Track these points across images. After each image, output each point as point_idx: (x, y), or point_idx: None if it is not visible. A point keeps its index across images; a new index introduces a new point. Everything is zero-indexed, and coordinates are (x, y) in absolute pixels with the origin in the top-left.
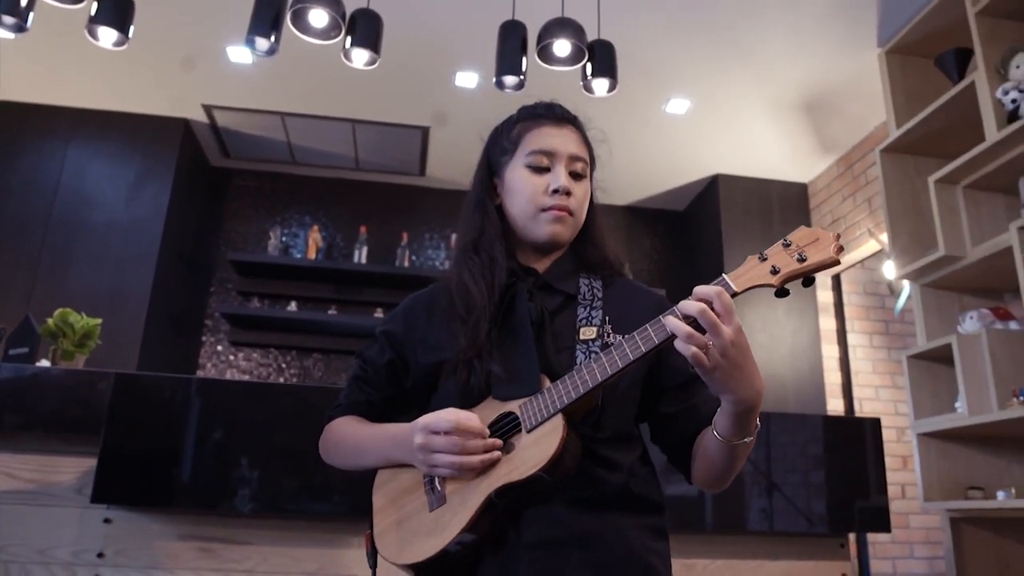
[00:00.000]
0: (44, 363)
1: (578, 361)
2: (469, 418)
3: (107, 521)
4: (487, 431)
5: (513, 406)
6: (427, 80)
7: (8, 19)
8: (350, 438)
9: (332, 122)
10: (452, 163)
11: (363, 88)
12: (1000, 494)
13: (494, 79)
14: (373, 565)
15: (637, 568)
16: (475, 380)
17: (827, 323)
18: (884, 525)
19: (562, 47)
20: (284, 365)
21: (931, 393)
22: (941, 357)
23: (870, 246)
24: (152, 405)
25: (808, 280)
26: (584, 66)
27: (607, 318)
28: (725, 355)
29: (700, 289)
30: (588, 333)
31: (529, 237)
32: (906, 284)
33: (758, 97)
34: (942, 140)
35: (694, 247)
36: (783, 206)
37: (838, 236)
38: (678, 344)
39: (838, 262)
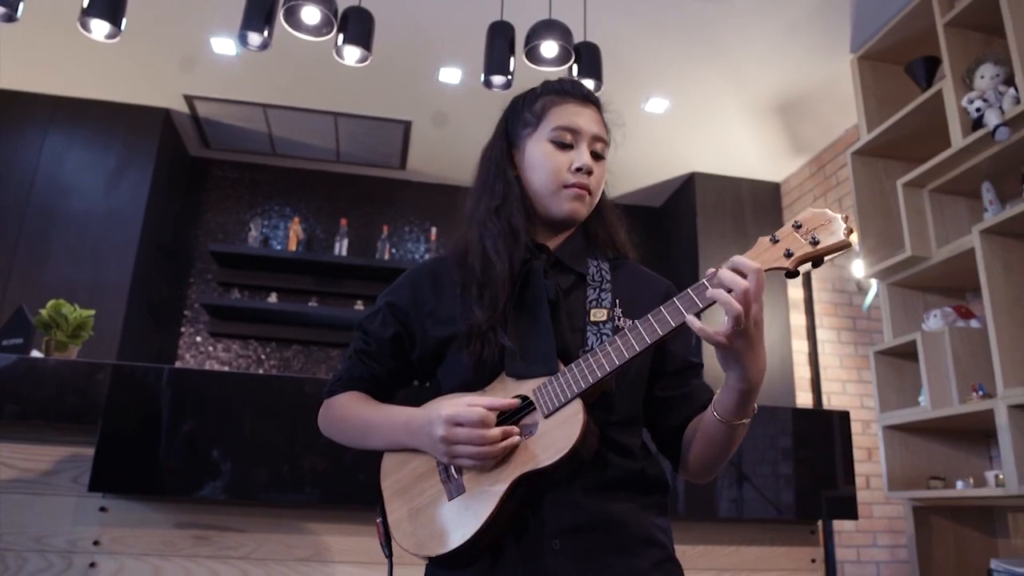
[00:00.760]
0: (36, 354)
1: (590, 343)
2: (491, 405)
3: (103, 510)
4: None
5: (527, 387)
6: (411, 75)
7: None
8: (355, 418)
9: (314, 115)
10: (433, 157)
11: (346, 81)
12: (959, 484)
13: (482, 78)
14: (389, 554)
15: (652, 547)
16: (489, 353)
17: (797, 319)
18: (852, 513)
19: (549, 48)
20: (264, 356)
21: (896, 388)
22: (906, 353)
23: None
24: (149, 396)
25: (817, 262)
26: (570, 67)
27: (617, 301)
28: (747, 332)
29: (742, 262)
30: (599, 315)
31: (546, 212)
32: (874, 282)
33: (735, 98)
34: (910, 145)
35: (670, 243)
36: (757, 204)
37: (847, 218)
38: (723, 301)
39: (850, 245)
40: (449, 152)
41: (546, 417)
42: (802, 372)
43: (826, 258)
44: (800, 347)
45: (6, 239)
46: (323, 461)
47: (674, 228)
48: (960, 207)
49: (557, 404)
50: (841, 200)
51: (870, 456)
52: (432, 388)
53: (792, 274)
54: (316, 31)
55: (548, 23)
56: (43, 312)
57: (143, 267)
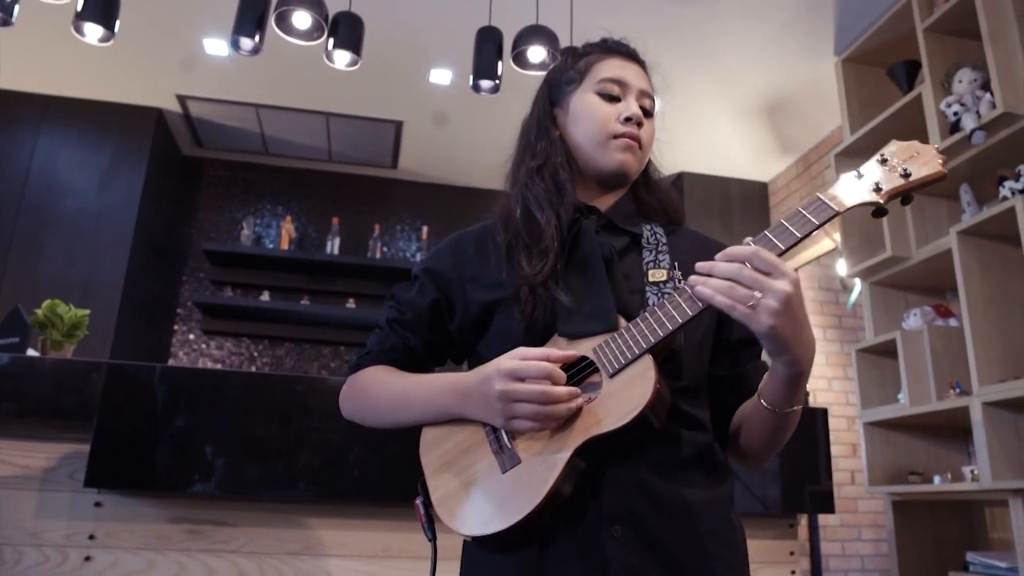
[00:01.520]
0: (32, 353)
1: (651, 303)
2: (550, 356)
3: (98, 505)
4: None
5: (585, 347)
6: (402, 75)
7: None
8: (388, 389)
9: (306, 114)
10: (424, 157)
11: (338, 82)
12: (937, 479)
13: (470, 82)
14: (432, 537)
15: (726, 548)
16: (540, 313)
17: None
18: (829, 507)
19: (536, 53)
20: (256, 354)
21: (877, 385)
22: (887, 351)
23: (825, 244)
24: (143, 393)
25: (907, 198)
26: None
27: (675, 264)
28: (777, 313)
29: (732, 249)
30: (658, 275)
31: (595, 167)
32: (858, 281)
33: (723, 99)
34: None
35: None
36: (744, 203)
37: (937, 147)
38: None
39: (945, 175)
40: (440, 152)
41: (611, 377)
42: None
43: (915, 193)
44: None
45: None
46: (316, 457)
47: None
48: (939, 208)
49: (624, 362)
50: None
51: (855, 452)
52: (472, 366)
53: (881, 211)
54: (307, 35)
55: (535, 28)
56: (39, 312)
57: (136, 266)
